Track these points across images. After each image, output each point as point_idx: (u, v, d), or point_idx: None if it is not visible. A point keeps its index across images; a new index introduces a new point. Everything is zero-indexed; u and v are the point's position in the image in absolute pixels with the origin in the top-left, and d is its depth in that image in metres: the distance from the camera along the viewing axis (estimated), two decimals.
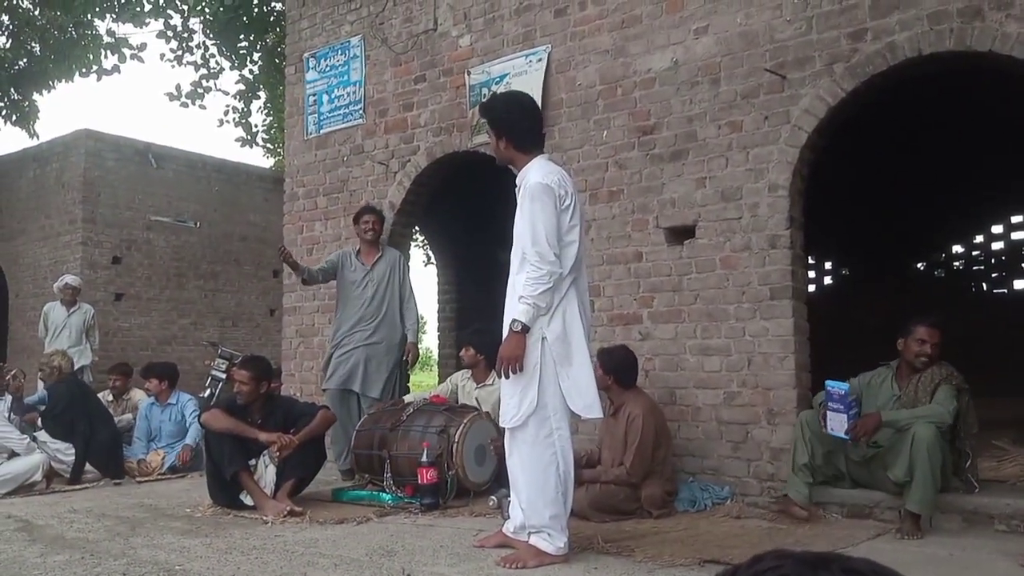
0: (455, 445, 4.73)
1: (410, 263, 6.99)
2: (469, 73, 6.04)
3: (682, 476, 4.74)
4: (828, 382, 3.97)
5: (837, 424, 3.90)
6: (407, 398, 5.64)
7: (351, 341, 5.66)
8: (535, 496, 3.34)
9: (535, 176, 3.40)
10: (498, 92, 3.79)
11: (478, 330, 5.66)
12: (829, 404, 3.91)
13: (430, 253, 13.68)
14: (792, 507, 4.07)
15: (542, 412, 3.34)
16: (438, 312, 10.39)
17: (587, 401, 3.35)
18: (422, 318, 7.21)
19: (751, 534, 3.85)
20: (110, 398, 7.21)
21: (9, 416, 6.09)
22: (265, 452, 4.71)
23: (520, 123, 3.52)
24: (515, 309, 3.32)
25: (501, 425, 3.58)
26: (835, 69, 4.52)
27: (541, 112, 3.72)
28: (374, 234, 5.88)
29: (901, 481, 3.79)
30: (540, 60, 5.64)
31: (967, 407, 3.99)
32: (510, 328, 3.33)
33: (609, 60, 5.35)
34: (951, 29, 4.20)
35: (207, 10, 11.99)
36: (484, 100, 4.25)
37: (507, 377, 3.36)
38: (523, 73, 5.68)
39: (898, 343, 4.19)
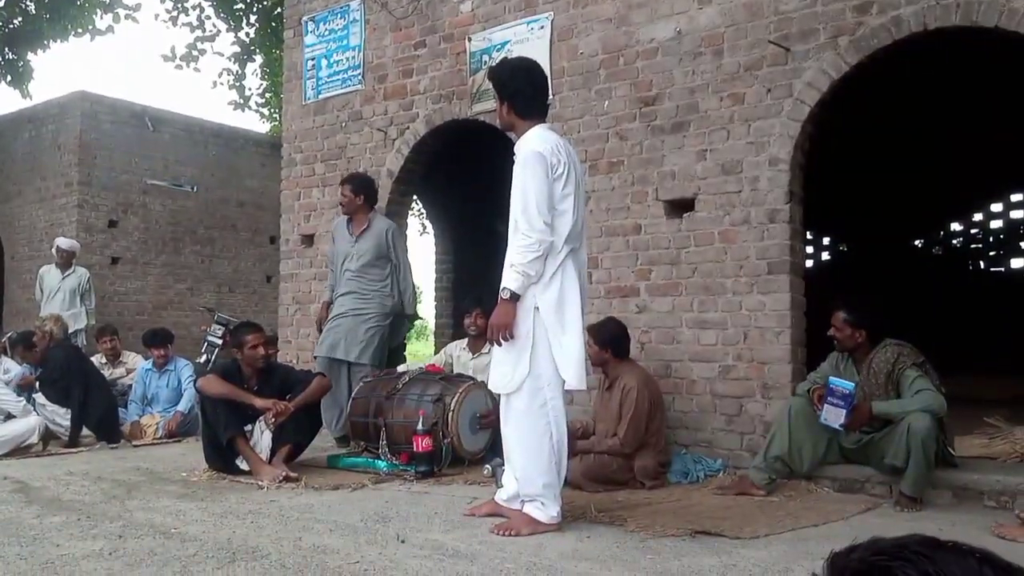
0: (450, 414, 4.75)
1: (407, 231, 6.98)
2: (470, 39, 5.98)
3: (675, 448, 4.77)
4: (832, 379, 3.96)
5: (833, 417, 3.91)
6: (401, 367, 5.65)
7: (339, 310, 5.64)
8: (529, 465, 3.36)
9: (529, 144, 3.40)
10: (507, 57, 3.75)
11: (478, 297, 5.60)
12: (830, 399, 3.91)
13: (426, 223, 13.65)
14: (752, 488, 4.10)
15: (536, 382, 3.35)
16: (435, 282, 10.39)
17: (576, 372, 3.35)
18: (418, 287, 7.17)
19: (743, 506, 3.88)
20: (103, 360, 7.22)
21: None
22: (261, 418, 4.73)
23: (523, 89, 3.51)
24: (506, 277, 3.33)
25: (490, 389, 3.59)
26: (840, 42, 4.48)
27: (547, 81, 3.69)
28: (343, 208, 5.73)
29: (897, 467, 3.83)
30: (542, 27, 5.59)
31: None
32: (500, 295, 3.34)
33: (612, 29, 5.30)
34: (957, 4, 4.16)
35: None
36: (493, 64, 4.22)
37: (499, 344, 3.38)
38: (525, 40, 5.63)
39: None
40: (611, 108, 5.29)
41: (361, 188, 5.72)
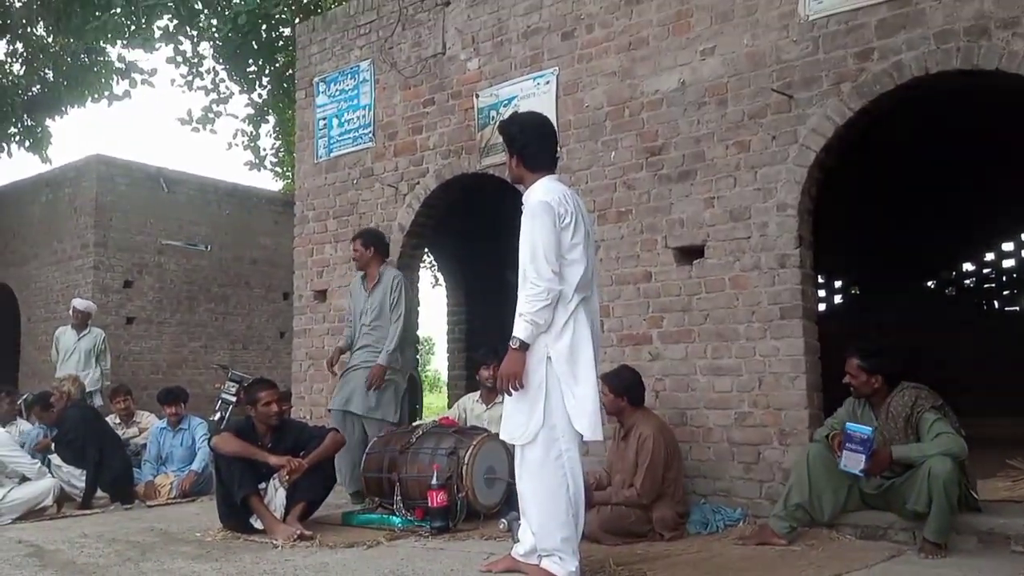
0: (465, 467, 4.71)
1: (418, 284, 7.00)
2: (477, 96, 6.09)
3: (694, 498, 4.70)
4: (849, 425, 3.91)
5: (853, 463, 3.85)
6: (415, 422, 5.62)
7: (353, 362, 5.63)
8: (546, 519, 3.32)
9: (536, 194, 3.43)
10: (519, 111, 3.82)
11: (494, 349, 5.57)
12: (848, 445, 3.85)
13: (438, 275, 13.71)
14: (772, 537, 4.03)
15: (550, 433, 3.32)
16: (447, 333, 10.39)
17: (591, 422, 3.32)
18: (429, 339, 7.16)
19: (764, 557, 3.81)
20: (117, 420, 7.22)
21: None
22: (275, 476, 4.70)
23: (532, 144, 3.56)
24: (515, 326, 3.32)
25: (501, 438, 3.55)
26: (842, 88, 4.53)
27: (556, 135, 3.74)
28: (356, 264, 5.80)
29: (920, 513, 3.75)
30: (548, 82, 5.68)
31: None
32: (509, 345, 3.33)
33: (616, 82, 5.38)
34: (958, 48, 4.20)
35: (217, 35, 12.12)
36: (504, 117, 4.27)
37: (508, 394, 3.36)
38: (531, 95, 5.71)
39: None
40: (618, 158, 5.34)
41: (370, 241, 5.75)
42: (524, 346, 3.30)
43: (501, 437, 3.54)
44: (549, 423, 3.32)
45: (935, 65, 4.26)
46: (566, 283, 3.35)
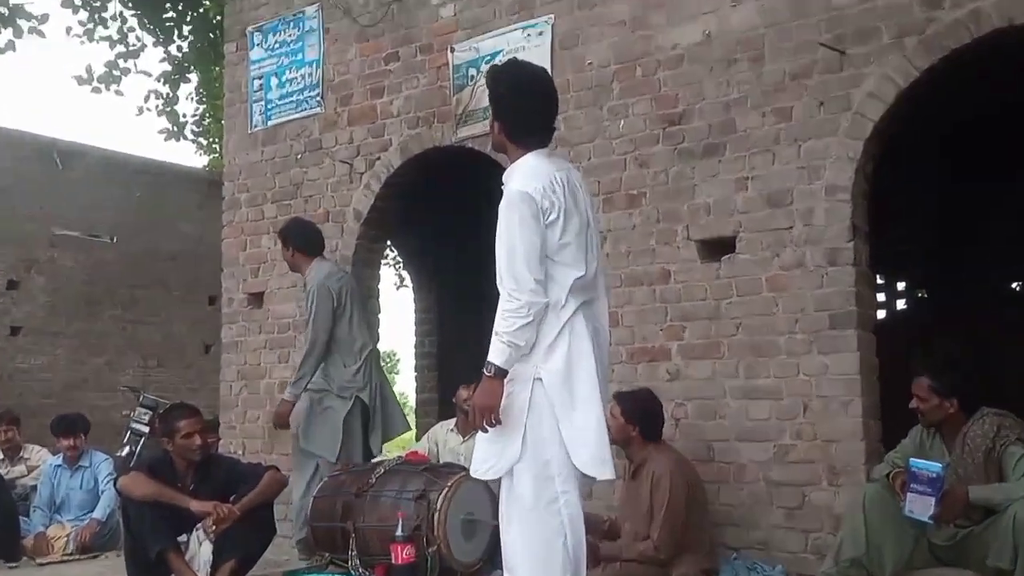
0: (437, 515, 4.71)
1: (378, 285, 6.99)
2: (453, 50, 6.10)
3: (723, 551, 4.74)
4: (913, 461, 3.92)
5: (921, 507, 3.85)
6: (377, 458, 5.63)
7: None
8: None
9: (516, 180, 3.37)
10: (515, 59, 3.72)
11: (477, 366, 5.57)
12: (913, 486, 3.87)
13: (403, 274, 13.71)
14: None
15: (543, 471, 3.31)
16: (415, 347, 10.37)
17: (594, 454, 3.29)
18: (393, 354, 7.15)
19: None
20: (0, 456, 7.18)
21: None
22: (198, 525, 4.69)
23: (521, 109, 3.49)
24: (491, 347, 3.27)
25: (472, 474, 3.54)
26: (906, 43, 4.57)
27: (556, 98, 3.65)
28: (289, 267, 5.92)
29: (1003, 570, 3.78)
30: (541, 34, 5.69)
31: None
32: (483, 372, 3.30)
33: (626, 34, 5.40)
34: None
35: None
36: (494, 65, 4.23)
37: (483, 431, 3.33)
38: (520, 49, 5.72)
39: None
40: (628, 129, 5.36)
41: (286, 237, 5.72)
42: (501, 372, 3.27)
43: (471, 472, 3.53)
44: (540, 458, 3.30)
45: (1022, 15, 4.30)
46: (557, 285, 3.31)
